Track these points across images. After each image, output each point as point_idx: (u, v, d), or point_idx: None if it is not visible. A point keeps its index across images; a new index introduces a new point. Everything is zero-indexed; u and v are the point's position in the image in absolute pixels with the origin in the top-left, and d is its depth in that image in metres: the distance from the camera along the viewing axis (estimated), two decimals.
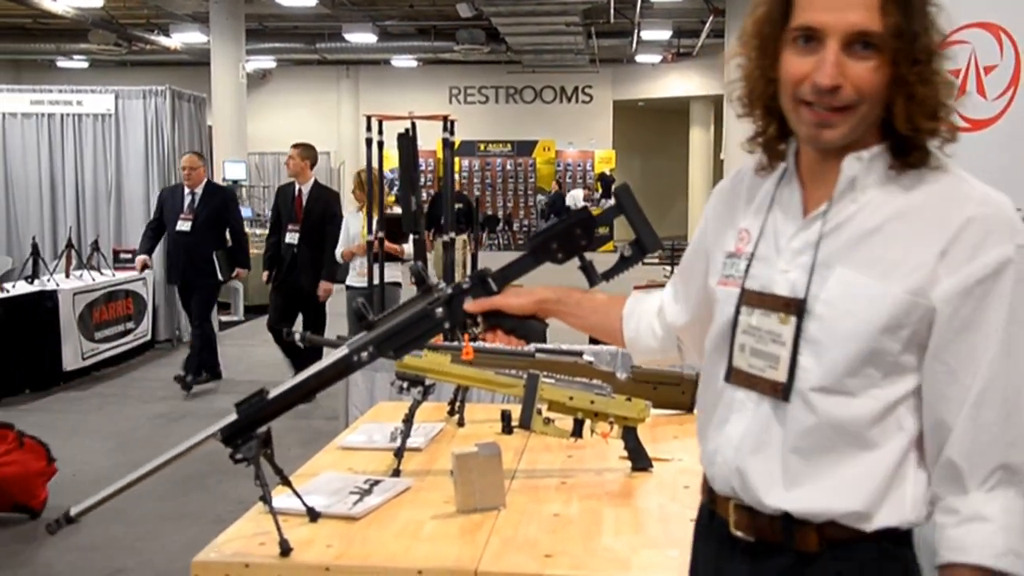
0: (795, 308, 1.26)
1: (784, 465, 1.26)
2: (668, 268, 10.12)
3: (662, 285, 1.69)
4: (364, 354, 1.71)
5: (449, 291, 1.68)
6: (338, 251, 6.59)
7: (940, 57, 1.22)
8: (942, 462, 1.22)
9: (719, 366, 1.36)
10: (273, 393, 1.76)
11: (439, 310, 1.68)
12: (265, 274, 7.09)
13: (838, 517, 1.24)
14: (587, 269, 1.65)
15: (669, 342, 1.63)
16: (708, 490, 1.40)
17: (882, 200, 1.25)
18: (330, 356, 1.74)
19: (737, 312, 1.33)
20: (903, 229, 1.22)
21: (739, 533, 1.32)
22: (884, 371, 1.22)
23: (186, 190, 7.30)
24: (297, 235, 6.86)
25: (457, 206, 9.47)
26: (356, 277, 6.48)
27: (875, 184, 1.26)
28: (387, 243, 6.03)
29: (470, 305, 1.64)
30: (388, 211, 6.25)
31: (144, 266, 7.85)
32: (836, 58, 1.20)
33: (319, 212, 6.89)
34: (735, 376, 1.33)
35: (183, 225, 7.22)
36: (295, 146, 7.12)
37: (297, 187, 6.99)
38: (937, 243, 1.19)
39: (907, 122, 1.22)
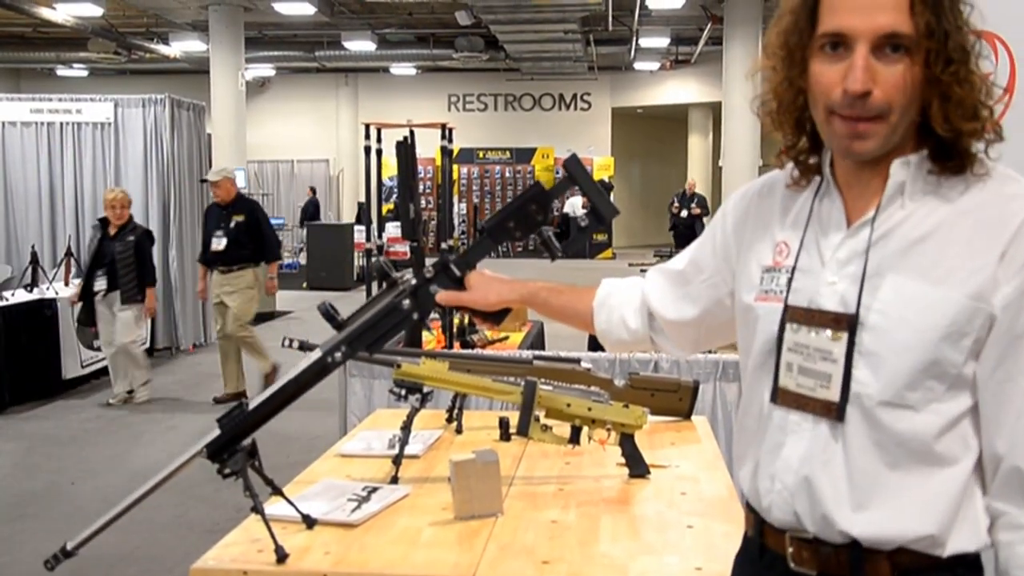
0: (846, 324, 1.20)
1: (851, 485, 1.21)
2: None
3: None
4: (338, 354, 1.73)
5: (414, 282, 1.70)
6: None
7: (975, 56, 1.18)
8: (1005, 471, 1.17)
9: (763, 386, 1.30)
10: (252, 404, 1.76)
11: (406, 302, 1.70)
12: None
13: (911, 542, 1.19)
14: (547, 243, 1.67)
15: (642, 335, 1.63)
16: (757, 523, 1.33)
17: (931, 206, 1.20)
18: (305, 359, 1.76)
19: (782, 329, 1.27)
20: (957, 233, 1.17)
21: (800, 568, 1.25)
22: (947, 384, 1.17)
23: None
24: None
25: (236, 219, 7.01)
26: None
27: (921, 190, 1.22)
28: None
29: (441, 297, 1.68)
30: None
31: None
32: (865, 62, 1.15)
33: None
34: (782, 397, 1.27)
35: None
36: None
37: None
38: (996, 246, 1.15)
39: (944, 123, 1.18)
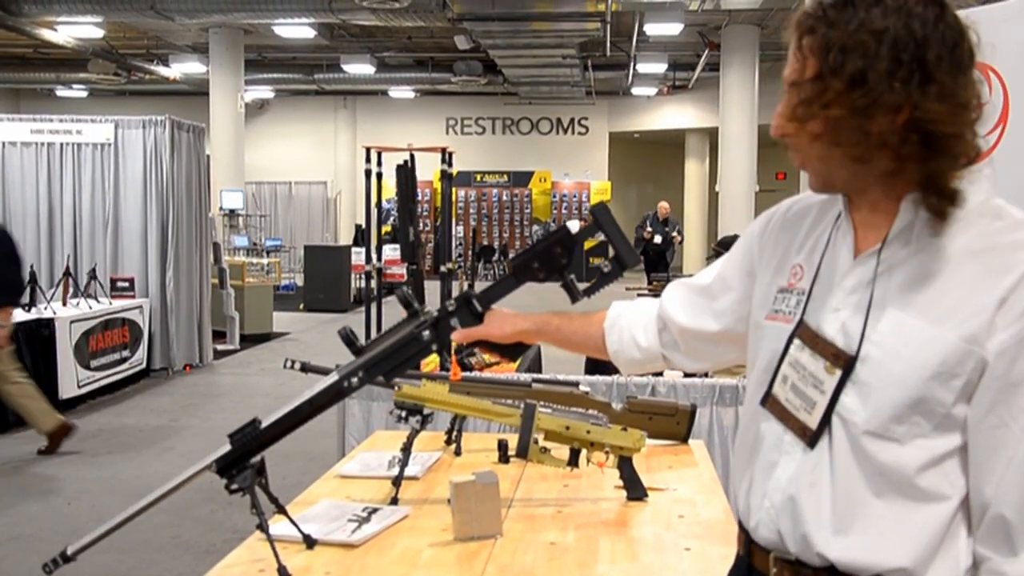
0: (844, 362, 1.23)
1: (834, 508, 1.23)
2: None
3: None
4: (354, 379, 1.75)
5: (435, 314, 1.73)
6: None
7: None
8: (991, 518, 1.18)
9: (759, 400, 1.34)
10: (266, 422, 1.78)
11: (426, 333, 1.73)
12: None
13: (885, 572, 1.20)
14: (569, 287, 1.70)
15: (654, 352, 1.65)
16: (746, 542, 1.36)
17: (937, 245, 1.22)
18: (321, 382, 1.77)
19: (788, 344, 1.31)
20: (961, 275, 1.19)
21: None
22: (934, 422, 1.19)
23: None
24: None
25: None
26: None
27: (929, 231, 1.23)
28: None
29: (457, 335, 1.71)
30: None
31: None
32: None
33: None
34: (771, 403, 1.31)
35: None
36: None
37: None
38: (997, 291, 1.16)
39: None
